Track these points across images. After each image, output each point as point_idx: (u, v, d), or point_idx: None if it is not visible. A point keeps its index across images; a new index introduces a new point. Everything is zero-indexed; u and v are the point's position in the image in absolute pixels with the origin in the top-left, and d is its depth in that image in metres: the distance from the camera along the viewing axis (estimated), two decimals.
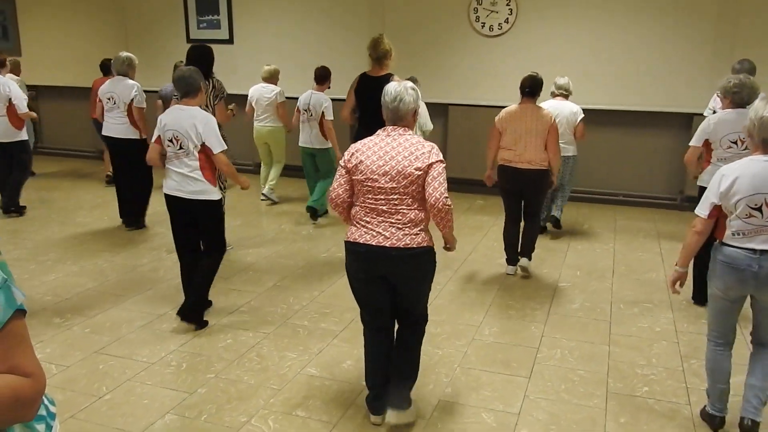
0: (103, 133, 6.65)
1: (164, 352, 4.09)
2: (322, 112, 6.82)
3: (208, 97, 5.29)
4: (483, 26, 8.21)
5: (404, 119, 3.09)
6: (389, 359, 3.31)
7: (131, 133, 6.51)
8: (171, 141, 4.21)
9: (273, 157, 7.80)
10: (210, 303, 4.65)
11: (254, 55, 9.20)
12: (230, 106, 5.64)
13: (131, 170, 6.54)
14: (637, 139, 8.01)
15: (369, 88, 5.10)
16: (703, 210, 3.14)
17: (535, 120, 5.13)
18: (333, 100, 6.93)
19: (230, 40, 9.46)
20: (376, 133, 3.13)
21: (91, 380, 3.74)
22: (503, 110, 5.30)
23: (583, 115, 6.33)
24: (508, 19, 8.08)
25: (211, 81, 5.32)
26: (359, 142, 3.14)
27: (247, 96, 7.60)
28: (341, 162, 3.13)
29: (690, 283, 4.74)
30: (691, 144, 4.65)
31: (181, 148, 4.19)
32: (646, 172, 8.03)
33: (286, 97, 7.50)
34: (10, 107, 6.81)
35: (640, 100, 7.81)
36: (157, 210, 6.80)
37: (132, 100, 6.45)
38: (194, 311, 4.41)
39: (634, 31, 7.66)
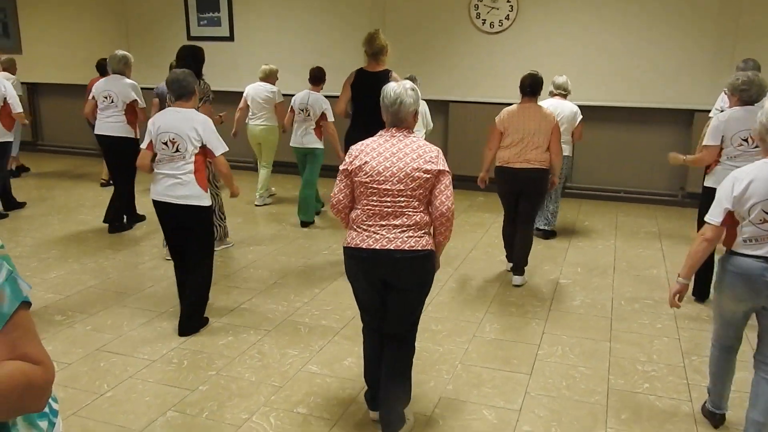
0: (97, 132, 6.50)
1: (165, 349, 4.09)
2: (323, 114, 6.70)
3: None
4: (484, 23, 8.20)
5: (405, 121, 3.01)
6: None
7: (127, 132, 6.42)
8: (166, 144, 4.11)
9: (262, 160, 7.59)
10: (206, 320, 4.46)
11: (255, 52, 9.20)
12: (221, 114, 5.53)
13: (126, 170, 6.42)
14: (638, 135, 8.00)
15: (366, 84, 5.04)
16: (715, 217, 2.97)
17: (538, 120, 5.01)
18: (327, 97, 6.81)
19: (231, 38, 9.45)
20: (379, 134, 3.04)
21: (92, 377, 3.74)
22: (503, 110, 5.15)
23: (582, 116, 6.25)
24: (508, 15, 8.07)
25: (198, 82, 5.22)
26: (361, 143, 3.03)
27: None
28: (342, 166, 3.03)
29: (685, 297, 4.72)
30: (707, 144, 4.47)
31: (177, 150, 4.10)
32: (647, 168, 8.02)
33: (285, 95, 7.45)
34: (5, 107, 6.65)
35: (641, 97, 7.80)
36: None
37: (135, 101, 6.39)
38: (191, 324, 4.33)
39: (636, 27, 7.65)
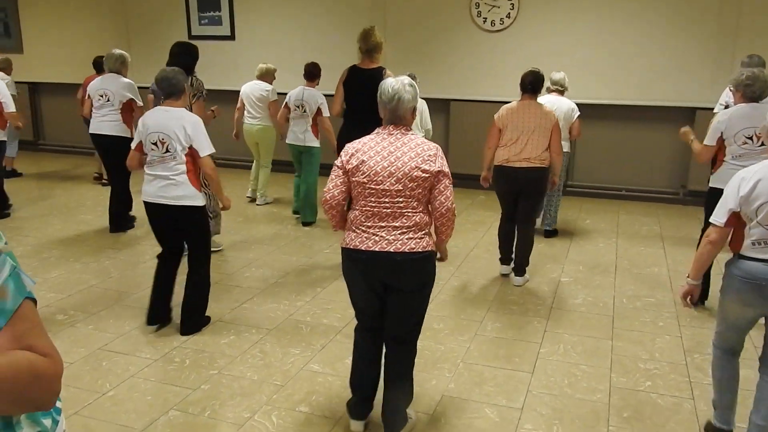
0: (92, 131, 6.43)
1: (167, 348, 4.09)
2: (318, 109, 6.63)
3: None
4: (485, 21, 8.20)
5: (404, 118, 2.92)
6: (380, 363, 3.18)
7: (122, 131, 6.33)
8: (156, 144, 4.03)
9: (261, 159, 7.55)
10: (208, 319, 4.45)
11: (256, 51, 9.20)
12: (213, 108, 5.47)
13: (123, 170, 6.32)
14: (640, 133, 8.00)
15: (359, 81, 4.95)
16: (719, 217, 2.85)
17: (538, 117, 4.92)
18: (325, 95, 6.72)
19: (232, 37, 9.46)
20: (376, 131, 2.95)
21: (94, 377, 3.74)
22: (503, 107, 5.09)
23: (579, 113, 6.18)
24: (509, 14, 8.07)
25: (190, 79, 5.17)
26: (357, 141, 2.95)
27: None
28: (337, 162, 2.95)
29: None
30: (704, 143, 4.44)
31: (167, 151, 4.02)
32: (648, 166, 8.02)
33: (285, 93, 7.40)
34: None
35: (642, 95, 7.79)
36: None
37: (132, 100, 6.34)
38: (192, 323, 4.32)
39: (637, 24, 7.64)
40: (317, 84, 6.83)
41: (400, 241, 2.86)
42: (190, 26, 9.59)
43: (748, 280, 2.78)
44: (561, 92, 6.22)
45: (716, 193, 4.23)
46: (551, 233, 6.50)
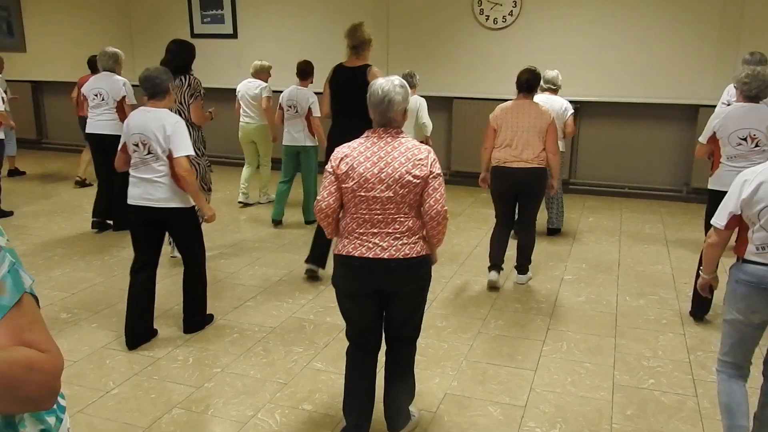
0: (88, 130, 6.39)
1: (171, 346, 4.10)
2: (309, 109, 6.53)
3: (183, 95, 5.11)
4: (487, 19, 8.19)
5: (394, 120, 2.81)
6: (374, 387, 3.08)
7: (119, 130, 6.12)
8: (137, 146, 3.93)
9: (260, 158, 7.47)
10: (211, 317, 4.46)
11: (258, 49, 9.19)
12: (210, 110, 5.39)
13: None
14: (643, 130, 7.98)
15: (343, 79, 4.81)
16: (719, 220, 2.77)
17: (533, 116, 4.81)
18: (317, 93, 6.66)
19: (234, 35, 9.46)
20: (365, 135, 2.85)
21: (98, 375, 3.75)
22: (498, 107, 4.97)
23: (572, 111, 6.08)
24: (512, 11, 8.05)
25: (187, 78, 5.13)
26: (346, 146, 2.84)
27: None
28: (327, 168, 2.84)
29: (688, 296, 4.69)
30: (699, 140, 4.43)
31: (149, 152, 3.92)
32: (651, 164, 8.00)
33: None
34: None
35: (645, 92, 7.77)
36: None
37: (124, 97, 6.28)
38: (194, 322, 4.31)
39: (639, 22, 7.62)
40: (311, 82, 6.73)
41: (394, 247, 2.79)
42: (193, 24, 9.60)
43: (753, 284, 2.67)
44: (554, 91, 6.10)
45: (715, 195, 4.22)
46: (554, 231, 6.49)
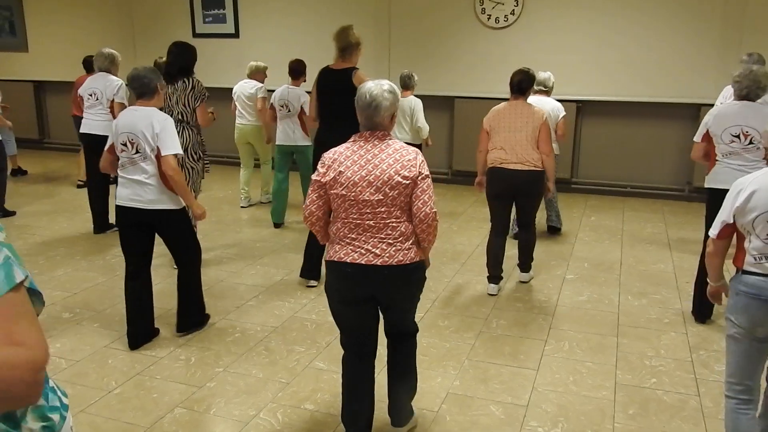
0: (82, 130, 6.38)
1: (173, 346, 4.10)
2: (302, 107, 6.45)
3: (187, 98, 5.06)
4: (489, 18, 8.18)
5: (381, 124, 2.75)
6: (373, 394, 3.03)
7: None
8: (125, 145, 3.85)
9: (259, 157, 7.44)
10: (208, 317, 4.41)
11: (260, 49, 9.20)
12: (211, 110, 5.32)
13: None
14: (644, 130, 7.98)
15: (328, 82, 4.75)
16: (713, 229, 2.71)
17: (525, 117, 4.73)
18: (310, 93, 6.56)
19: (236, 34, 9.46)
20: (352, 139, 2.80)
21: (100, 374, 3.76)
22: (491, 109, 4.90)
23: (564, 113, 6.01)
24: (513, 10, 8.05)
25: (190, 81, 5.09)
26: (333, 151, 2.79)
27: None
28: (314, 176, 2.80)
29: (690, 296, 4.68)
30: (694, 140, 4.41)
31: (137, 152, 3.84)
32: (653, 163, 8.00)
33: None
34: None
35: (647, 91, 7.77)
36: None
37: (115, 96, 6.24)
38: (189, 321, 4.25)
39: (641, 21, 7.62)
40: (303, 81, 6.65)
41: (387, 254, 2.74)
42: (194, 24, 9.61)
43: (754, 295, 2.56)
44: (546, 92, 6.04)
45: (713, 193, 4.23)
46: (555, 230, 6.49)
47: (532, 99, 5.73)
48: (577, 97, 7.93)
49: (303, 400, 3.50)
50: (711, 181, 4.30)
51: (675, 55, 7.58)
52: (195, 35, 9.49)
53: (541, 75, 6.02)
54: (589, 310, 4.70)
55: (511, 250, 5.31)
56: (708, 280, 2.92)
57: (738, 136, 4.12)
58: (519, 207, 4.99)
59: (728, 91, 5.48)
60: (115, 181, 4.09)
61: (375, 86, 2.74)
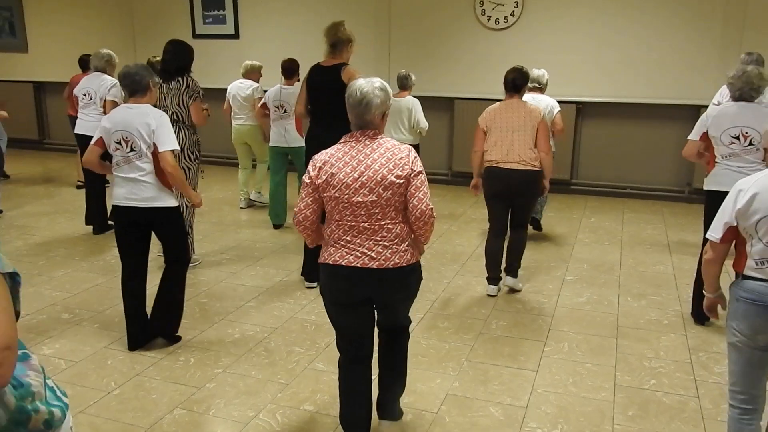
0: (77, 131, 6.37)
1: (172, 347, 4.10)
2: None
3: (181, 97, 5.05)
4: (489, 19, 8.19)
5: (371, 123, 2.70)
6: (371, 397, 3.02)
7: None
8: (119, 143, 3.80)
9: (256, 157, 7.39)
10: (179, 338, 4.18)
11: (260, 49, 9.19)
12: (204, 106, 5.28)
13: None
14: (644, 131, 7.98)
15: (318, 79, 4.72)
16: (715, 232, 2.57)
17: (522, 115, 4.70)
18: None
19: (236, 35, 9.47)
20: (342, 140, 2.75)
21: (100, 375, 3.76)
22: (486, 109, 4.85)
23: (559, 109, 5.96)
24: (513, 12, 8.05)
25: (185, 80, 5.06)
26: (325, 153, 2.74)
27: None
28: (305, 178, 2.74)
29: (689, 297, 4.68)
30: (689, 138, 4.37)
31: (132, 150, 3.79)
32: (653, 164, 8.00)
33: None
34: None
35: (647, 92, 7.77)
36: None
37: (107, 94, 6.22)
38: (164, 330, 4.12)
39: (641, 22, 7.62)
40: (297, 80, 6.55)
41: (383, 257, 2.70)
42: (194, 25, 9.61)
43: (754, 302, 2.48)
44: (540, 90, 6.00)
45: (712, 195, 4.21)
46: (535, 222, 6.38)
47: (527, 97, 5.67)
48: (577, 98, 7.93)
49: (302, 401, 3.50)
50: (710, 183, 4.28)
51: (675, 55, 7.59)
52: (195, 36, 9.48)
53: (535, 72, 5.97)
54: (588, 311, 4.70)
55: None
56: (704, 291, 2.80)
57: (738, 138, 4.10)
58: (515, 206, 4.91)
59: (725, 90, 5.48)
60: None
61: (366, 83, 2.68)
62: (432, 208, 2.72)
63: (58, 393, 1.70)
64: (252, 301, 4.83)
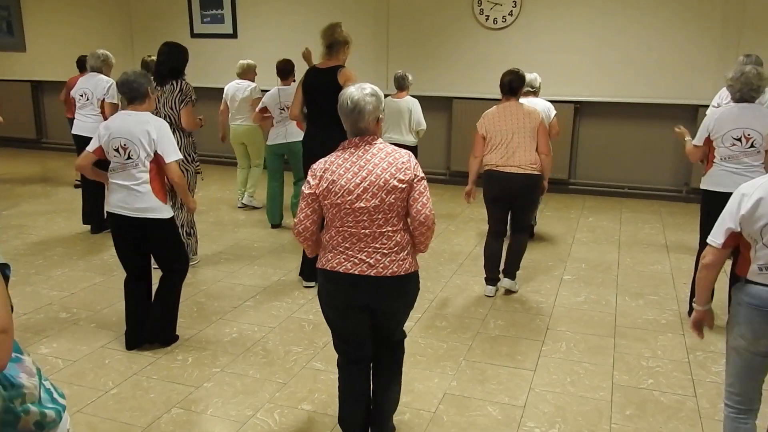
0: (74, 131, 6.35)
1: (170, 346, 4.10)
2: None
3: (174, 101, 5.02)
4: (487, 19, 8.19)
5: (367, 129, 2.69)
6: (369, 397, 2.99)
7: None
8: (117, 150, 3.77)
9: (251, 159, 7.36)
10: (177, 337, 4.17)
11: (258, 49, 9.19)
12: (200, 117, 5.24)
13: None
14: (642, 130, 7.98)
15: (313, 81, 4.70)
16: (716, 237, 2.50)
17: (521, 118, 4.67)
18: None
19: (234, 35, 9.46)
20: (341, 147, 2.73)
21: (97, 374, 3.75)
22: (484, 114, 4.81)
23: (555, 112, 5.94)
24: (512, 11, 8.06)
25: (179, 83, 5.03)
26: (324, 160, 2.72)
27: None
28: (305, 189, 2.72)
29: (687, 297, 4.69)
30: (693, 143, 4.37)
31: (129, 158, 3.76)
32: (651, 164, 8.01)
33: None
34: None
35: (645, 92, 7.78)
36: None
37: (105, 95, 6.21)
38: (159, 335, 4.07)
39: (638, 22, 7.63)
40: (293, 80, 6.53)
41: (381, 264, 2.68)
42: (193, 24, 9.60)
43: (756, 307, 2.44)
44: (533, 93, 5.97)
45: (708, 195, 4.24)
46: (530, 230, 6.31)
47: (522, 101, 5.69)
48: (575, 98, 7.94)
49: (300, 400, 3.50)
50: (707, 183, 4.29)
51: (673, 55, 7.60)
52: (193, 35, 9.48)
53: (528, 76, 5.91)
54: (586, 311, 4.70)
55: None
56: (694, 303, 2.70)
57: (739, 139, 4.09)
58: (515, 211, 4.88)
59: (724, 92, 5.49)
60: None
61: (356, 91, 2.67)
62: (434, 213, 2.72)
63: (55, 395, 1.70)
64: (250, 301, 4.83)
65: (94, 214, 6.45)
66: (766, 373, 2.57)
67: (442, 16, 8.39)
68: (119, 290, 4.93)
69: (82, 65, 7.60)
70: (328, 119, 4.35)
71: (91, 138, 5.98)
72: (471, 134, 8.14)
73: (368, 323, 2.88)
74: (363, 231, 2.67)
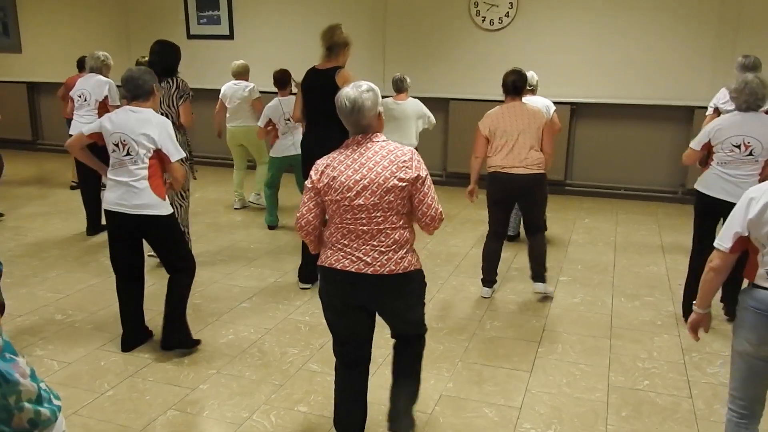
0: (71, 132, 6.27)
1: (173, 350, 4.09)
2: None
3: (172, 98, 5.03)
4: (483, 20, 8.20)
5: (369, 126, 2.69)
6: (366, 402, 3.00)
7: None
8: (117, 146, 3.74)
9: (255, 158, 7.34)
10: (198, 341, 4.11)
11: (255, 50, 9.19)
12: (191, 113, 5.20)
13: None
14: (638, 132, 8.00)
15: (312, 82, 4.71)
16: (724, 241, 2.47)
17: (527, 118, 4.64)
18: None
19: (230, 36, 9.45)
20: (344, 144, 2.73)
21: (93, 376, 3.75)
22: (487, 114, 4.75)
23: (554, 108, 5.92)
24: (508, 13, 8.07)
25: (175, 81, 5.05)
26: (327, 157, 2.73)
27: None
28: (307, 183, 2.74)
29: (681, 297, 4.68)
30: (691, 146, 4.36)
31: (128, 154, 3.72)
32: (647, 165, 8.02)
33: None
34: None
35: (641, 93, 7.79)
36: None
37: (105, 97, 6.18)
38: (174, 338, 4.02)
39: (636, 23, 7.64)
40: (291, 90, 6.52)
41: (379, 263, 2.66)
42: (189, 26, 9.59)
43: (763, 312, 2.40)
44: (531, 92, 5.92)
45: (701, 197, 4.29)
46: (512, 238, 6.23)
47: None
48: (572, 99, 7.95)
49: (296, 402, 3.50)
50: (700, 185, 4.33)
51: (669, 56, 7.61)
52: (189, 36, 9.47)
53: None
54: (582, 312, 4.71)
55: (506, 252, 5.30)
56: (694, 305, 2.67)
57: (738, 147, 4.10)
58: (525, 212, 4.85)
59: (723, 92, 5.49)
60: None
61: (352, 90, 2.65)
62: (441, 211, 2.73)
63: (51, 396, 1.69)
64: (246, 302, 4.82)
65: (92, 215, 6.44)
66: None
67: (438, 18, 8.40)
68: (115, 292, 4.93)
69: (81, 65, 7.57)
70: (326, 119, 4.36)
71: None
72: (468, 135, 8.13)
73: (367, 324, 2.88)
74: (361, 228, 2.66)
